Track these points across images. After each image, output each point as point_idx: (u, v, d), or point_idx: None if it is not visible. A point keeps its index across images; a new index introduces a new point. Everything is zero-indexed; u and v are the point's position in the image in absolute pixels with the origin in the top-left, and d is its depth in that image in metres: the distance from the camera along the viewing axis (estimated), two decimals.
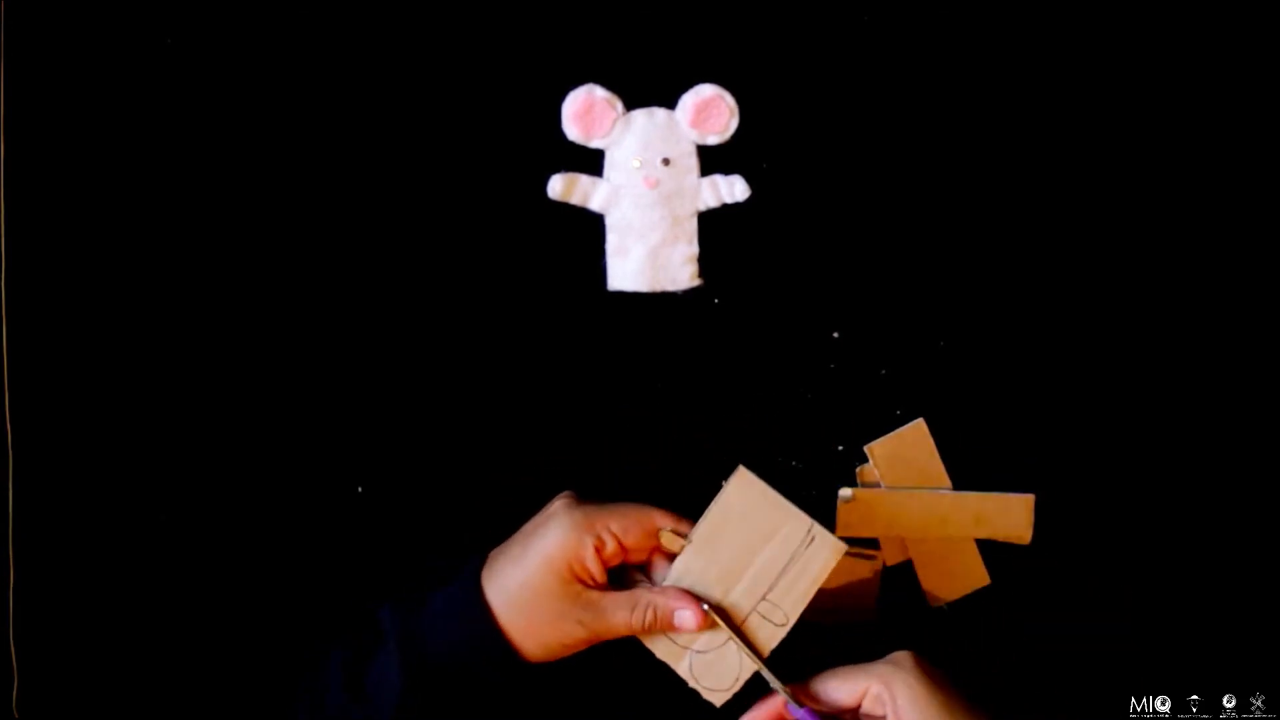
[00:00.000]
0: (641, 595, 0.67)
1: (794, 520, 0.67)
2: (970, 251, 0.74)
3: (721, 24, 0.72)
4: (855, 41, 0.73)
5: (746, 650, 0.66)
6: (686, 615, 0.66)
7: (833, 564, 0.67)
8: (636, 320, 0.74)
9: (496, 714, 0.68)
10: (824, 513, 0.74)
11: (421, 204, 0.73)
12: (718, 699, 0.67)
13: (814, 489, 0.74)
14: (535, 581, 0.66)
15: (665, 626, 0.67)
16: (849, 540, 0.74)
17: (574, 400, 0.74)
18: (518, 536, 0.68)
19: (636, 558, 0.69)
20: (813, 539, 0.67)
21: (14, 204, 0.72)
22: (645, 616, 0.66)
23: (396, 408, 0.74)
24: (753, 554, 0.67)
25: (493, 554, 0.69)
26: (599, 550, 0.66)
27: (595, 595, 0.66)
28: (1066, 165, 0.74)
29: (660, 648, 0.68)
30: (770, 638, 0.67)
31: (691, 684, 0.67)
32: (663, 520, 0.68)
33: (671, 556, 0.68)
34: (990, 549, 0.75)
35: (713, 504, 0.68)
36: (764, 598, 0.67)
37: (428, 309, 0.74)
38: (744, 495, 0.68)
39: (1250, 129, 0.74)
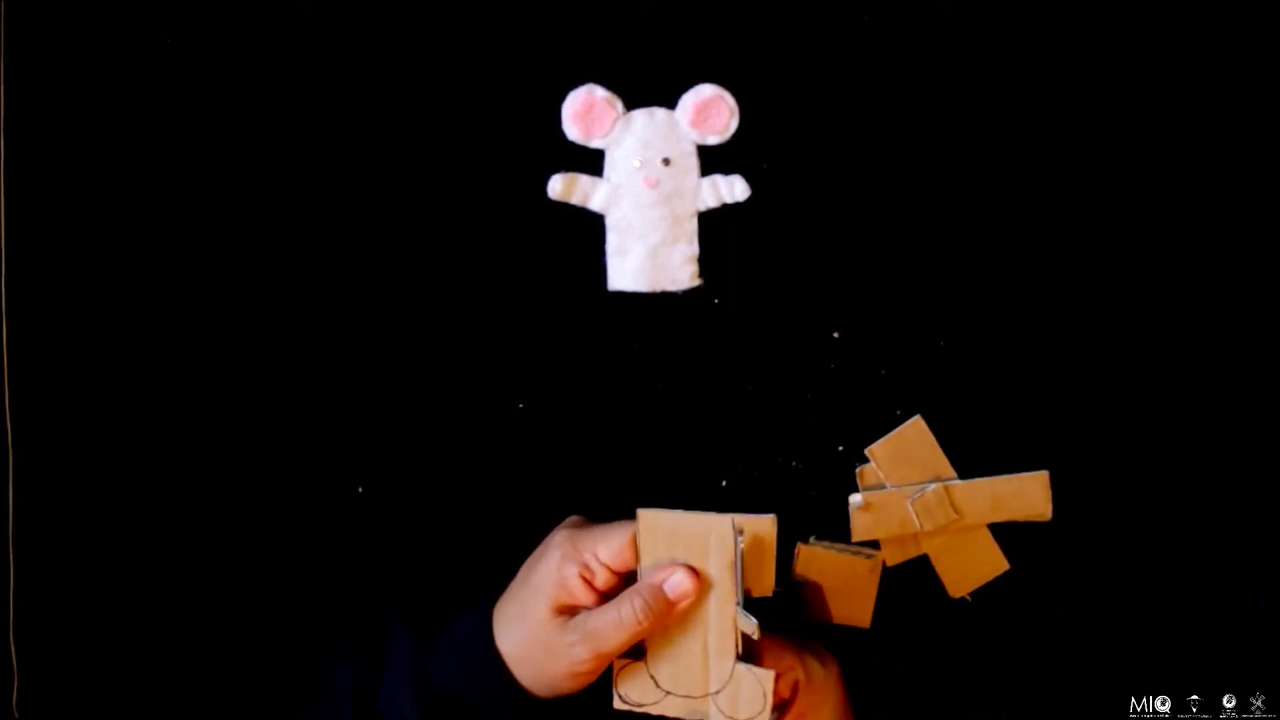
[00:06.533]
0: (625, 593, 0.65)
1: (716, 525, 0.65)
2: (970, 251, 0.74)
3: (721, 24, 0.72)
4: (855, 41, 0.73)
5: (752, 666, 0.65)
6: (677, 579, 0.65)
7: (774, 533, 0.65)
8: (636, 320, 0.74)
9: None
10: (826, 513, 0.74)
11: (422, 204, 0.73)
12: None
13: (814, 489, 0.74)
14: (531, 617, 0.65)
15: (661, 609, 0.64)
16: (864, 544, 0.74)
17: (574, 400, 0.74)
18: (521, 570, 0.68)
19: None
20: (742, 530, 0.65)
21: (14, 204, 0.72)
22: (635, 606, 0.64)
23: (396, 408, 0.74)
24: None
25: (503, 595, 0.68)
26: (588, 581, 0.65)
27: (585, 613, 0.65)
28: (1067, 165, 0.74)
29: (680, 708, 0.66)
30: (756, 624, 0.65)
31: None
32: None
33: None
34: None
35: (640, 558, 0.66)
36: (739, 607, 0.65)
37: (428, 309, 0.74)
38: (658, 534, 0.65)
39: (1250, 129, 0.74)
